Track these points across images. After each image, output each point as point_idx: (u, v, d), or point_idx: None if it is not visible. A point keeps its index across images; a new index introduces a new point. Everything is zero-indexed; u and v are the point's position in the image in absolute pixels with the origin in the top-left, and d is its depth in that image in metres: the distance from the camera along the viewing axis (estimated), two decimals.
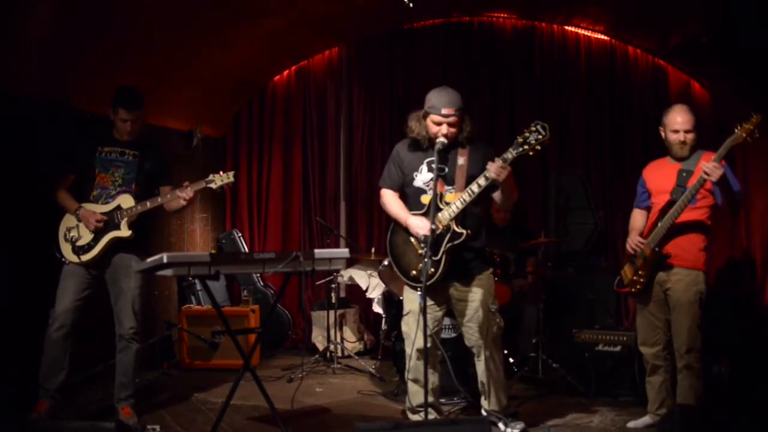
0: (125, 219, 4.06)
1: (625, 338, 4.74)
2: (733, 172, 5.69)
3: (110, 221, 4.05)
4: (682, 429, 3.08)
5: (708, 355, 4.54)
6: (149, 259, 3.44)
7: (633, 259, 4.01)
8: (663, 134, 3.99)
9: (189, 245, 6.52)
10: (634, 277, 3.98)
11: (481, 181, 3.62)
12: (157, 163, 4.26)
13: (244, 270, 3.90)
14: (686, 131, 3.86)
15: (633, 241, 4.02)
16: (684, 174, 3.86)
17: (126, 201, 4.09)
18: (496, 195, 3.83)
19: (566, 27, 6.55)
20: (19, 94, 4.48)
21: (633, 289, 4.02)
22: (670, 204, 3.85)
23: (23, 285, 4.37)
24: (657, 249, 3.86)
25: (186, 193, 4.05)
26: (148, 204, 4.08)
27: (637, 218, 4.17)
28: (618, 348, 4.77)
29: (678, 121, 3.87)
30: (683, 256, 3.86)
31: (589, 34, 6.53)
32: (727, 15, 4.94)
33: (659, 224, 3.86)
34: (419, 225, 3.70)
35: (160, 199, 4.10)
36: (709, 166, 3.58)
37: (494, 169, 3.58)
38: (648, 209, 4.11)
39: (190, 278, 6.09)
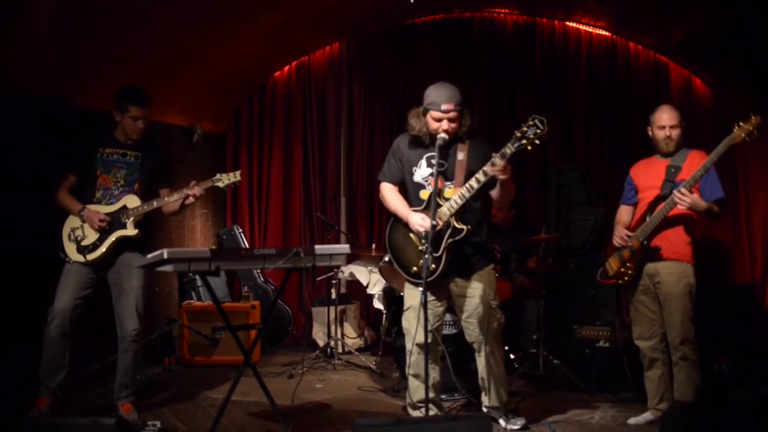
0: (132, 218, 4.05)
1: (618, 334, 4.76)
2: (734, 171, 5.75)
3: (115, 221, 4.05)
4: (683, 426, 3.08)
5: (708, 353, 4.56)
6: (150, 255, 3.45)
7: (619, 252, 4.04)
8: (650, 132, 4.08)
9: (190, 241, 6.52)
10: (621, 269, 4.01)
11: (480, 176, 3.61)
12: (158, 163, 4.26)
13: (245, 266, 3.92)
14: (671, 126, 3.97)
15: (620, 233, 4.05)
16: (672, 169, 3.93)
17: (131, 201, 4.09)
18: (494, 192, 3.81)
19: (567, 23, 6.54)
20: (19, 92, 4.48)
21: (620, 281, 4.05)
22: (659, 198, 3.90)
23: (24, 282, 4.37)
24: (645, 242, 3.90)
25: (195, 190, 4.06)
26: (155, 203, 4.09)
27: (624, 213, 4.22)
28: (618, 344, 4.78)
29: (664, 117, 3.99)
30: (672, 249, 3.90)
31: (590, 30, 6.51)
32: (729, 11, 4.94)
33: (648, 218, 3.91)
34: (420, 222, 3.69)
35: (167, 198, 4.10)
36: (682, 191, 3.69)
37: (497, 166, 3.56)
38: (634, 206, 4.17)
39: (191, 274, 6.09)
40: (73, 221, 4.09)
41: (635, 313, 4.07)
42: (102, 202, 4.10)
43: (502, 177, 3.59)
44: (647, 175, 4.07)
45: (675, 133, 3.96)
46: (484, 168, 3.60)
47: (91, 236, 4.05)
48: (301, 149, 7.06)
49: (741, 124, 3.63)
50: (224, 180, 4.16)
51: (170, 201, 4.10)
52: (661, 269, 3.91)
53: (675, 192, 3.72)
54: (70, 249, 4.06)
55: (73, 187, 4.15)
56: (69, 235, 4.08)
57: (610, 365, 4.74)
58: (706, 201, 3.80)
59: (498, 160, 3.55)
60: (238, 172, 4.20)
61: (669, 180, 3.90)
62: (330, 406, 4.56)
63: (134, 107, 4.09)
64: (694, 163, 3.82)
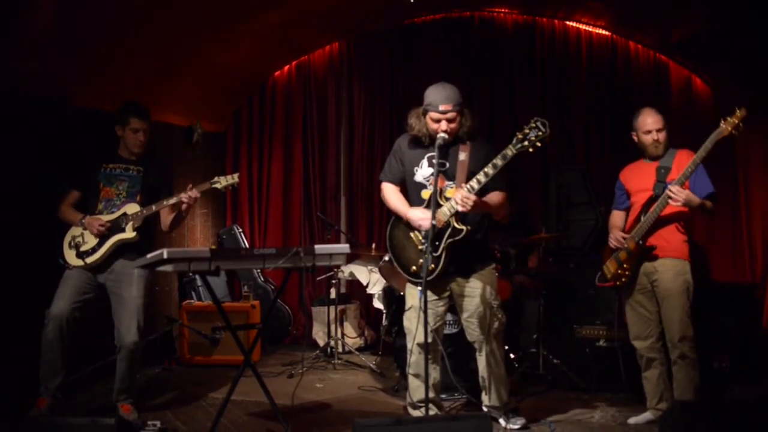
0: (131, 222, 4.08)
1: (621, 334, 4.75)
2: (734, 171, 5.75)
3: (115, 226, 4.08)
4: (683, 425, 3.07)
5: (708, 352, 4.55)
6: (149, 255, 3.45)
7: (616, 254, 4.05)
8: (636, 138, 4.09)
9: (189, 241, 6.52)
10: (619, 271, 4.01)
11: (481, 177, 3.61)
12: (160, 178, 4.30)
13: (245, 265, 3.92)
14: (658, 130, 3.98)
15: (616, 235, 4.06)
16: (662, 170, 3.95)
17: (131, 208, 4.12)
18: (488, 198, 3.80)
19: (567, 22, 6.54)
20: (19, 92, 4.48)
21: (618, 283, 4.06)
22: (652, 199, 3.91)
23: (24, 283, 4.37)
24: (641, 242, 3.90)
25: (191, 193, 4.07)
26: (154, 207, 4.11)
27: (616, 218, 4.24)
28: (616, 344, 4.77)
29: (648, 122, 4.00)
30: (668, 248, 3.91)
31: (590, 30, 6.51)
32: (729, 11, 4.94)
33: (642, 218, 3.92)
34: (420, 217, 3.69)
35: (165, 201, 4.11)
36: (673, 190, 3.68)
37: (458, 199, 3.57)
38: (627, 210, 4.18)
39: (191, 274, 6.09)
40: (74, 230, 4.15)
41: (631, 314, 4.08)
42: (104, 212, 4.14)
43: (466, 210, 3.58)
44: (638, 179, 4.08)
45: (662, 136, 3.97)
46: (485, 169, 3.60)
47: (91, 241, 4.09)
48: (301, 149, 7.06)
49: (727, 118, 3.67)
50: (222, 182, 4.18)
51: (168, 204, 4.12)
52: (659, 267, 3.92)
53: (667, 190, 3.72)
54: (70, 255, 4.09)
55: (76, 203, 4.21)
56: (69, 243, 4.12)
57: (610, 365, 4.73)
58: (698, 197, 3.82)
59: (461, 191, 3.57)
60: (236, 175, 4.24)
61: (660, 181, 3.92)
62: (330, 406, 4.56)
63: (134, 119, 4.15)
64: (682, 162, 3.84)
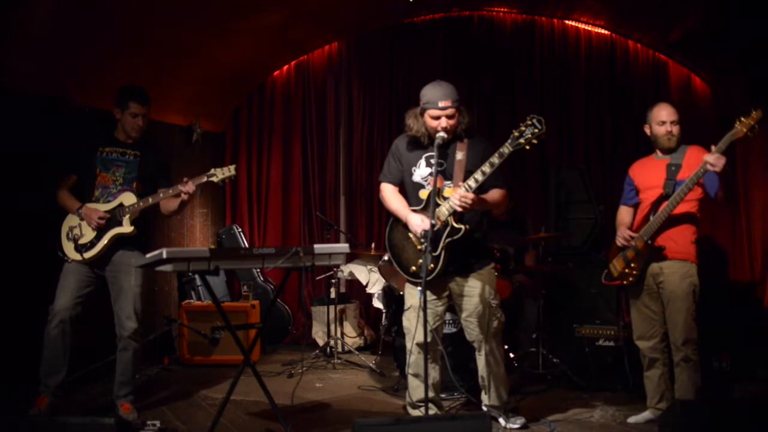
0: (127, 215, 4.07)
1: (624, 333, 4.75)
2: (733, 169, 5.76)
3: (112, 219, 4.07)
4: (683, 424, 3.08)
5: (708, 349, 4.55)
6: (149, 255, 3.45)
7: (623, 252, 4.03)
8: (648, 131, 4.06)
9: (189, 240, 6.52)
10: (626, 270, 4.00)
11: (478, 176, 3.60)
12: (156, 164, 4.28)
13: (244, 265, 3.91)
14: (672, 122, 3.95)
15: (624, 234, 4.03)
16: (673, 168, 3.91)
17: (128, 198, 4.10)
18: (487, 196, 3.80)
19: (566, 21, 6.54)
20: (18, 90, 4.47)
21: (625, 282, 4.04)
22: (662, 197, 3.88)
23: (24, 282, 4.37)
24: (650, 242, 3.88)
25: (187, 187, 4.05)
26: (150, 200, 4.09)
27: (624, 214, 4.21)
28: (618, 343, 4.78)
29: (663, 113, 3.96)
30: (676, 249, 3.89)
31: (589, 29, 6.52)
32: (728, 10, 4.94)
33: (652, 218, 3.89)
34: (419, 224, 3.68)
35: (162, 194, 4.10)
36: (712, 157, 3.57)
37: (457, 198, 3.57)
38: (635, 206, 4.16)
39: (190, 273, 6.08)
40: (71, 220, 4.11)
41: (636, 314, 4.07)
42: (100, 200, 4.11)
43: (465, 209, 3.58)
44: (648, 176, 4.04)
45: (676, 128, 3.94)
46: (482, 167, 3.60)
47: (89, 234, 4.07)
48: (300, 148, 7.06)
49: (742, 119, 3.59)
50: (218, 175, 4.13)
51: (165, 197, 4.11)
52: (665, 268, 3.89)
53: (706, 161, 3.57)
54: (68, 248, 4.07)
55: (73, 187, 4.19)
56: (67, 234, 4.10)
57: (610, 364, 4.74)
58: (710, 193, 3.79)
59: (459, 190, 3.56)
60: (232, 167, 4.17)
61: (670, 179, 3.88)
62: (330, 406, 4.56)
63: (134, 103, 4.12)
64: (693, 158, 3.81)
